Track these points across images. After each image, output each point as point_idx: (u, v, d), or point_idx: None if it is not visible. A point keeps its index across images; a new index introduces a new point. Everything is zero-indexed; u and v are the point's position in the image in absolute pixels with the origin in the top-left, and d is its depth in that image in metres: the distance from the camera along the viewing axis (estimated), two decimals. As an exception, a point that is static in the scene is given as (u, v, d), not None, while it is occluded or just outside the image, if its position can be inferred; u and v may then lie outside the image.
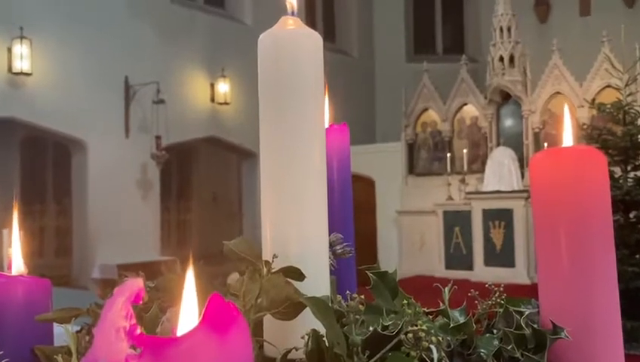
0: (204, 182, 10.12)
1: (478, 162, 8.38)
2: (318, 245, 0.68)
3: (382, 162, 9.03)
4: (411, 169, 8.90)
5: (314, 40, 0.67)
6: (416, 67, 9.64)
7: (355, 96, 10.53)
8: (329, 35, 10.88)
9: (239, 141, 8.69)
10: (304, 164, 0.70)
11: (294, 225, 0.67)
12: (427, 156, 8.83)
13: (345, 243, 0.75)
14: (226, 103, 8.46)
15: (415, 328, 0.55)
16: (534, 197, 0.65)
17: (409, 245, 8.55)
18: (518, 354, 0.59)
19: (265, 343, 0.60)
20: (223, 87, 8.41)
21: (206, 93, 8.44)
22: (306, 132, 0.70)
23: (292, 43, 0.65)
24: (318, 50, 0.67)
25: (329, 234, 0.73)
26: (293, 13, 0.67)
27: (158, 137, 7.48)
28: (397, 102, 9.16)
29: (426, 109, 8.88)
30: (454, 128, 8.64)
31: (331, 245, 0.73)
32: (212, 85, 8.45)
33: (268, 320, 0.61)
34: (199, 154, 10.05)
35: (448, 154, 8.36)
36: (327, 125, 0.86)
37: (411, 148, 8.91)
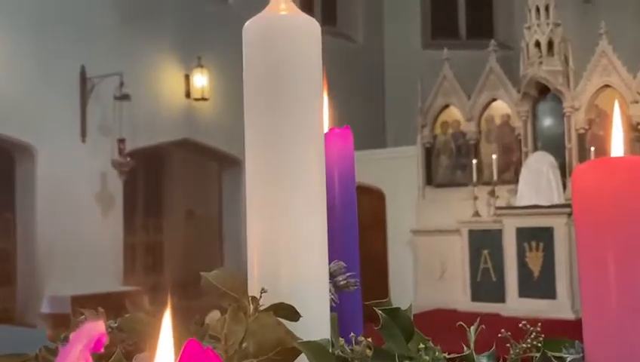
0: (178, 195, 10.13)
1: (511, 170, 8.40)
2: (315, 276, 0.69)
3: (393, 171, 9.05)
4: (429, 179, 8.93)
5: (311, 28, 0.68)
6: (434, 55, 9.70)
7: (361, 90, 10.58)
8: (329, 17, 10.93)
9: (220, 145, 8.72)
10: (299, 177, 0.71)
11: (287, 252, 0.68)
12: (448, 163, 8.86)
13: (348, 274, 0.75)
14: (203, 99, 8.50)
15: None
16: (577, 217, 0.65)
17: (427, 272, 8.55)
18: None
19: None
20: (200, 80, 8.44)
21: (180, 87, 8.47)
22: (301, 138, 0.71)
23: (284, 32, 0.66)
24: (316, 40, 0.68)
25: (329, 263, 0.74)
26: (286, 2, 0.68)
27: (121, 141, 7.50)
28: (411, 97, 9.19)
29: (446, 106, 8.92)
30: (481, 129, 8.68)
31: (332, 276, 0.74)
32: (187, 77, 8.49)
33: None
34: (172, 161, 10.07)
35: (474, 161, 8.39)
36: (326, 129, 0.87)
37: (429, 154, 8.95)
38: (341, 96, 9.42)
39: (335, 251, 0.79)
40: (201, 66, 8.43)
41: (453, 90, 8.84)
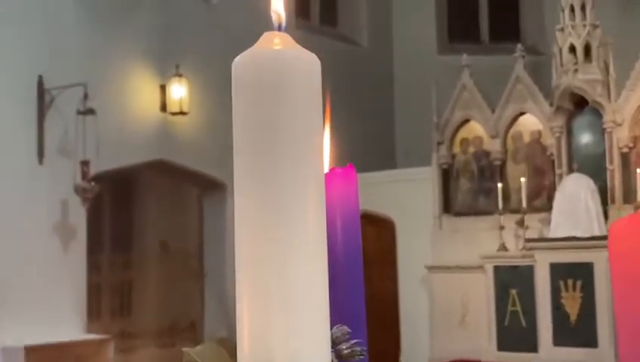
0: (151, 225, 10.13)
1: (543, 196, 8.43)
2: (315, 345, 0.70)
3: (405, 196, 9.08)
4: (447, 206, 8.96)
5: (310, 64, 0.70)
6: (451, 61, 9.76)
7: (366, 102, 10.64)
8: (328, 17, 11.03)
9: (201, 167, 8.75)
10: (295, 227, 0.73)
11: (282, 319, 0.69)
12: (469, 187, 8.91)
13: (353, 341, 0.77)
14: (182, 113, 8.54)
15: None
16: (615, 278, 0.67)
17: (445, 315, 8.54)
18: None
19: None
20: (178, 91, 8.50)
21: (154, 99, 8.52)
22: (298, 184, 0.73)
23: (279, 69, 0.69)
24: (316, 77, 0.70)
25: (331, 327, 0.75)
26: (280, 28, 0.70)
27: (84, 163, 7.51)
28: (425, 110, 9.24)
29: (466, 120, 8.99)
30: (508, 148, 8.73)
31: (334, 343, 0.75)
32: (163, 88, 8.54)
33: None
34: (144, 185, 10.09)
35: (500, 185, 8.42)
36: (327, 169, 0.89)
37: (447, 176, 8.99)
38: (343, 109, 9.45)
39: (338, 312, 0.80)
40: (180, 75, 8.49)
41: (475, 102, 8.91)
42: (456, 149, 9.01)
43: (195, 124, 8.75)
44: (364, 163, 9.56)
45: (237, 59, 0.71)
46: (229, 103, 0.74)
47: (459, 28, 11.57)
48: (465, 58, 9.03)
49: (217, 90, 7.96)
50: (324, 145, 0.76)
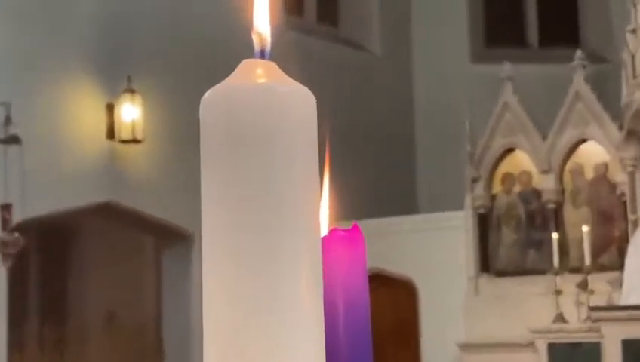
0: (94, 289, 10.10)
1: (612, 250, 8.45)
2: None
3: (430, 250, 9.09)
4: (485, 263, 8.98)
5: (304, 103, 0.71)
6: (489, 71, 9.80)
7: (377, 126, 10.65)
8: (327, 14, 11.09)
9: (159, 211, 8.73)
10: (282, 302, 0.73)
11: None
12: (515, 239, 8.93)
13: None
14: (135, 141, 8.55)
15: None
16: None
17: (484, 409, 8.49)
18: None
19: None
20: (131, 112, 8.51)
21: (99, 123, 8.53)
22: (288, 249, 0.73)
23: (263, 110, 0.69)
24: (310, 119, 0.71)
25: None
26: (263, 54, 0.72)
27: (5, 207, 7.51)
28: (455, 137, 9.26)
29: (510, 150, 9.04)
30: (565, 186, 8.75)
31: None
32: (110, 108, 8.56)
33: None
34: (84, 236, 10.08)
35: (555, 236, 8.43)
36: (325, 230, 0.90)
37: (485, 224, 9.03)
38: (347, 136, 9.41)
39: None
40: (132, 91, 8.52)
41: (520, 126, 8.95)
42: (497, 188, 9.03)
43: (152, 155, 8.76)
44: (376, 207, 9.58)
45: (207, 95, 0.72)
46: (197, 127, 0.75)
47: (499, 29, 11.62)
48: (507, 67, 9.07)
49: (182, 109, 7.98)
50: (321, 201, 0.77)
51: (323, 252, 0.79)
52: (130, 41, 8.73)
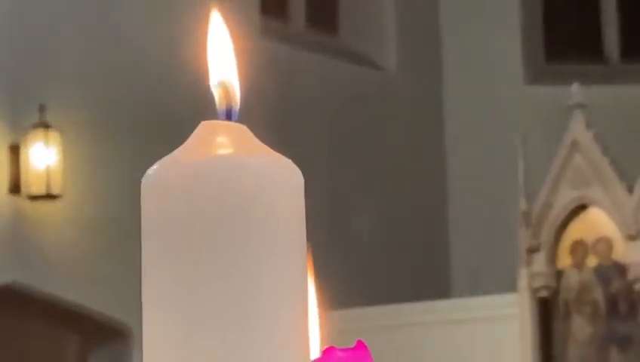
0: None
1: None
2: None
3: (468, 349, 9.14)
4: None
5: (284, 179, 0.73)
6: (551, 96, 9.84)
7: (394, 172, 10.66)
8: (321, 19, 11.14)
9: (85, 298, 8.72)
10: None
11: None
12: (591, 333, 8.94)
13: None
14: (49, 197, 8.56)
15: None
16: None
17: None
18: None
19: None
20: (44, 155, 8.52)
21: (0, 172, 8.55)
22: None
23: (228, 193, 0.71)
24: (293, 202, 0.73)
25: None
26: (230, 115, 0.74)
27: None
28: (503, 189, 9.28)
29: (582, 207, 9.06)
30: (663, 260, 8.77)
31: None
32: (14, 150, 8.58)
33: None
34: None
35: (647, 329, 8.45)
36: (317, 352, 0.91)
37: (547, 311, 9.04)
38: (346, 189, 9.35)
39: None
40: (46, 126, 8.58)
41: (596, 172, 9.00)
42: (564, 262, 9.05)
43: (74, 218, 8.78)
44: (389, 289, 9.57)
45: (150, 173, 0.74)
46: (140, 174, 0.77)
47: (563, 38, 11.66)
48: (577, 90, 9.10)
49: (117, 152, 7.98)
50: (307, 318, 0.77)
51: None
52: (46, 54, 8.78)
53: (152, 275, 0.76)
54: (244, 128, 0.75)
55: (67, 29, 8.90)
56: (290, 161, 0.75)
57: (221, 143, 0.74)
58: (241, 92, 0.78)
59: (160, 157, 0.73)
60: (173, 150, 0.73)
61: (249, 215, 0.74)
